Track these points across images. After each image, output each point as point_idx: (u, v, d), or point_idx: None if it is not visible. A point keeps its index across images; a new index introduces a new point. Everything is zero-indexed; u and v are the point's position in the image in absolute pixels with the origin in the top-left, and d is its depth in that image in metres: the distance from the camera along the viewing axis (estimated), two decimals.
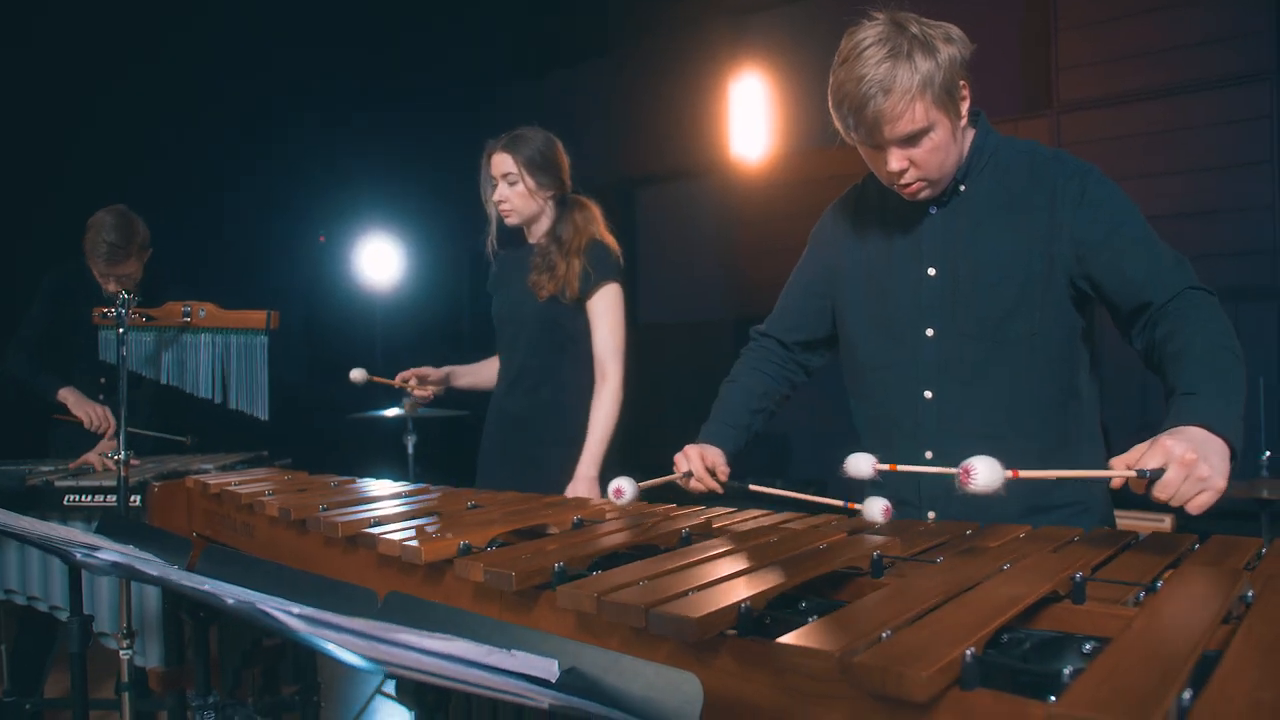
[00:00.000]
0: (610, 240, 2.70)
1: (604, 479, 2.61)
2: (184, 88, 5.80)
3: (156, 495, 2.12)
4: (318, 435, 4.80)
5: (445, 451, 3.05)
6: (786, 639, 0.90)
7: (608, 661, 0.99)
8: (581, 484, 2.59)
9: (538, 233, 2.74)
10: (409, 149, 6.93)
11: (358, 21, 7.01)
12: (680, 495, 1.93)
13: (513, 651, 0.88)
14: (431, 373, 2.88)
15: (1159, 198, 4.70)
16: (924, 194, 1.72)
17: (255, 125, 6.31)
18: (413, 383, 2.86)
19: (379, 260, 6.85)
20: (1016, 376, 1.71)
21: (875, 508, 1.62)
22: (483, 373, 2.98)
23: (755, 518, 1.79)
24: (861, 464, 1.63)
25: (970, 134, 1.76)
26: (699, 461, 1.84)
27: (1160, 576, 1.15)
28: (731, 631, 1.03)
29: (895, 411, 1.79)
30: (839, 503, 1.80)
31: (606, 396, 2.63)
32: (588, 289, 2.62)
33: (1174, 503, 1.26)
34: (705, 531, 1.53)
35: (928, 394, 1.75)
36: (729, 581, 1.14)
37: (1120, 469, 1.27)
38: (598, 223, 2.73)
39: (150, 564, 1.06)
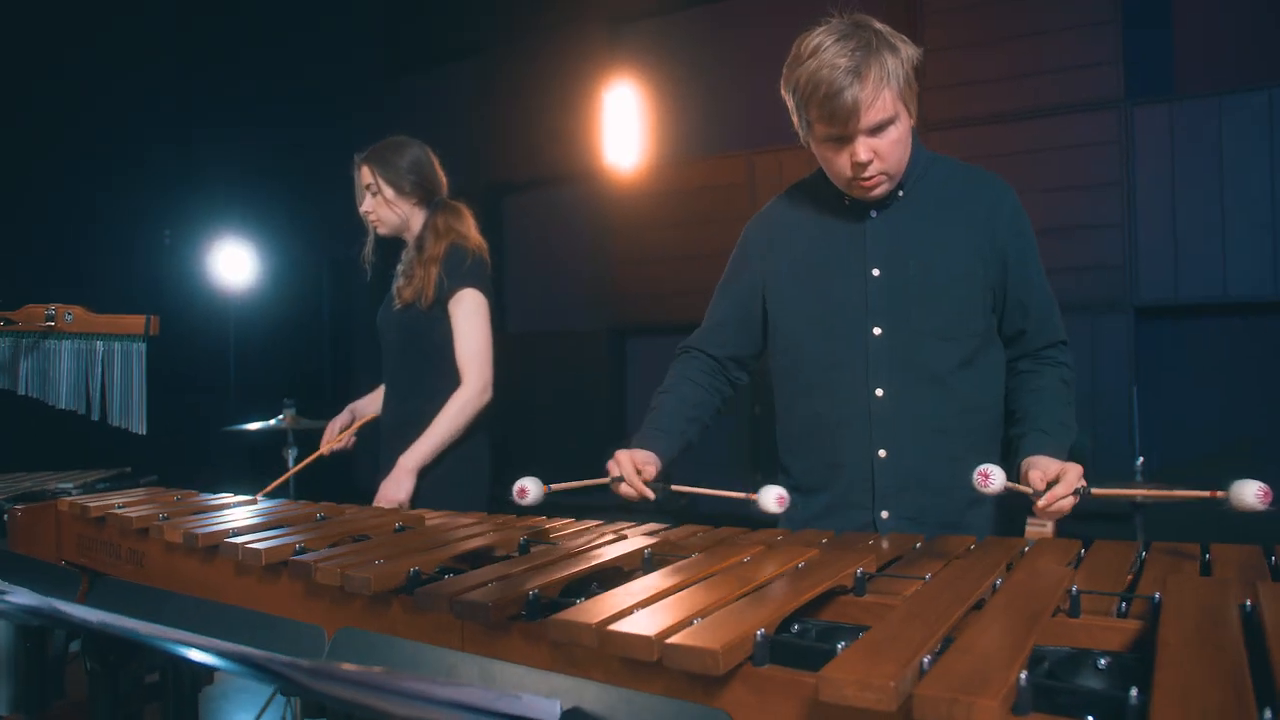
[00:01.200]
0: (477, 244, 2.66)
1: (448, 489, 2.57)
2: (19, 78, 5.33)
3: (21, 520, 1.88)
4: (180, 450, 4.46)
5: (330, 464, 2.86)
6: (834, 671, 0.84)
7: (616, 699, 0.91)
8: (396, 475, 2.51)
9: (410, 242, 2.73)
10: (267, 149, 6.58)
11: (213, 16, 6.61)
12: (599, 506, 1.84)
13: (520, 695, 0.79)
14: (339, 423, 2.81)
15: None
16: (881, 189, 1.75)
17: (94, 118, 5.85)
18: (338, 441, 2.75)
19: (233, 263, 6.46)
20: (967, 373, 1.77)
21: (769, 496, 1.64)
22: (380, 393, 2.89)
23: (613, 530, 1.72)
24: (770, 498, 1.62)
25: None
26: (629, 464, 1.76)
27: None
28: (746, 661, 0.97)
29: (845, 411, 1.79)
30: (739, 494, 1.74)
31: (457, 399, 2.56)
32: (444, 295, 2.57)
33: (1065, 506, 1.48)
34: (665, 551, 1.44)
35: (879, 392, 1.77)
36: (731, 606, 1.07)
37: (1043, 485, 1.50)
38: (465, 227, 2.70)
39: (75, 608, 0.90)
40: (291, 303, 6.89)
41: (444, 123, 6.96)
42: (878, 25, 1.68)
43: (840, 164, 1.73)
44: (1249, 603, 1.05)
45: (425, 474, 2.56)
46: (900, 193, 1.79)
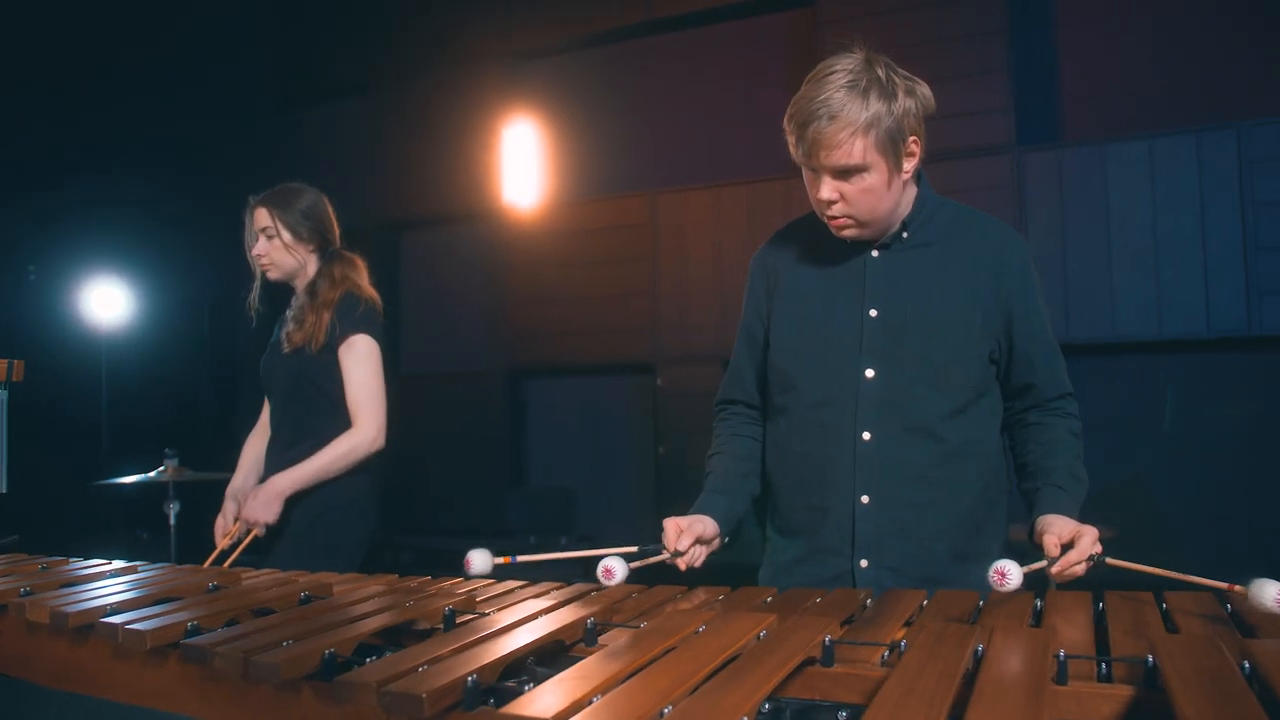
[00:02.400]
0: (370, 294, 2.64)
1: (324, 531, 2.46)
2: None
3: None
4: (46, 507, 4.10)
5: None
6: None
7: None
8: (265, 497, 2.41)
9: (300, 289, 2.67)
10: (147, 186, 6.23)
11: (90, 45, 6.25)
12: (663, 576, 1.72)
13: None
14: (228, 516, 2.63)
15: None
16: (849, 232, 1.70)
17: None
18: (233, 530, 2.55)
19: (105, 302, 6.06)
20: (957, 422, 1.71)
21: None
22: (249, 456, 2.78)
23: (539, 593, 1.60)
24: (479, 561, 1.56)
25: (913, 190, 1.77)
26: (686, 537, 1.66)
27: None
28: None
29: (831, 452, 1.73)
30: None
31: (348, 439, 2.50)
32: (334, 341, 2.52)
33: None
34: (605, 618, 1.32)
35: (866, 435, 1.70)
36: (704, 693, 0.95)
37: (1058, 549, 1.47)
38: (360, 277, 2.68)
39: None
40: (171, 345, 6.50)
41: (337, 159, 6.73)
42: (880, 71, 1.61)
43: (812, 194, 1.69)
44: (1247, 665, 0.99)
45: (298, 504, 2.47)
46: (905, 234, 1.74)
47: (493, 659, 1.05)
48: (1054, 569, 1.45)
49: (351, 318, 2.54)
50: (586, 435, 6.15)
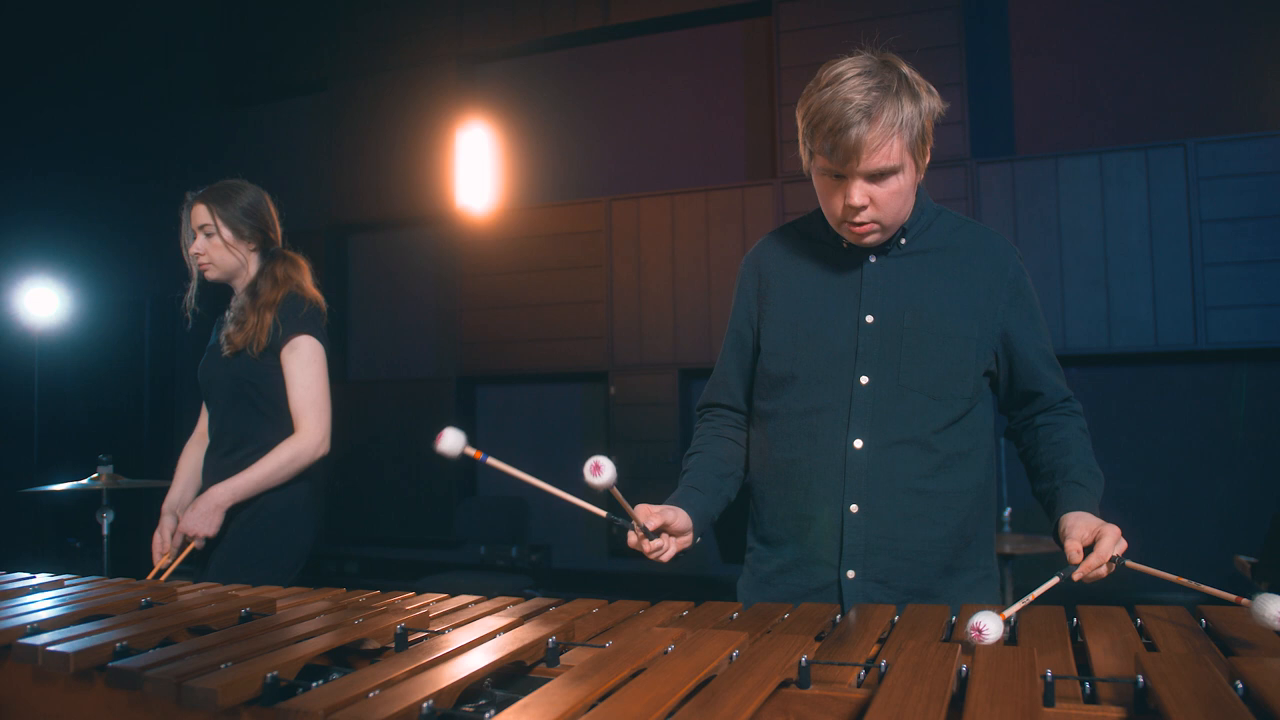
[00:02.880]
0: (313, 295, 2.56)
1: (262, 541, 2.37)
2: None
3: None
4: None
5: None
6: None
7: None
8: (203, 508, 2.32)
9: (239, 289, 2.58)
10: (85, 183, 6.03)
11: (21, 32, 6.04)
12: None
13: None
14: (165, 533, 2.51)
15: None
16: (871, 238, 1.65)
17: None
18: (170, 549, 2.44)
19: (39, 301, 5.84)
20: (951, 433, 1.67)
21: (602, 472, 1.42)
22: (186, 468, 2.67)
23: (495, 609, 1.53)
24: (452, 440, 1.45)
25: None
26: (656, 519, 1.59)
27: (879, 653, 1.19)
28: None
29: (821, 460, 1.68)
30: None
31: (291, 445, 2.41)
32: (277, 343, 2.44)
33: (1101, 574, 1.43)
34: (567, 638, 1.25)
35: (858, 443, 1.65)
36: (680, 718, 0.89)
37: (1081, 554, 1.44)
38: (303, 278, 2.60)
39: None
40: (109, 347, 6.29)
41: (285, 158, 6.60)
42: (905, 69, 1.59)
43: (834, 202, 1.63)
44: (1240, 684, 0.95)
45: (237, 513, 2.38)
46: (903, 240, 1.71)
47: (449, 683, 0.98)
48: (1075, 575, 1.41)
49: (294, 319, 2.46)
50: (538, 444, 6.06)
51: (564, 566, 5.74)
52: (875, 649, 1.25)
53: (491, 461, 1.51)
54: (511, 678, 1.12)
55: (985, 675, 0.97)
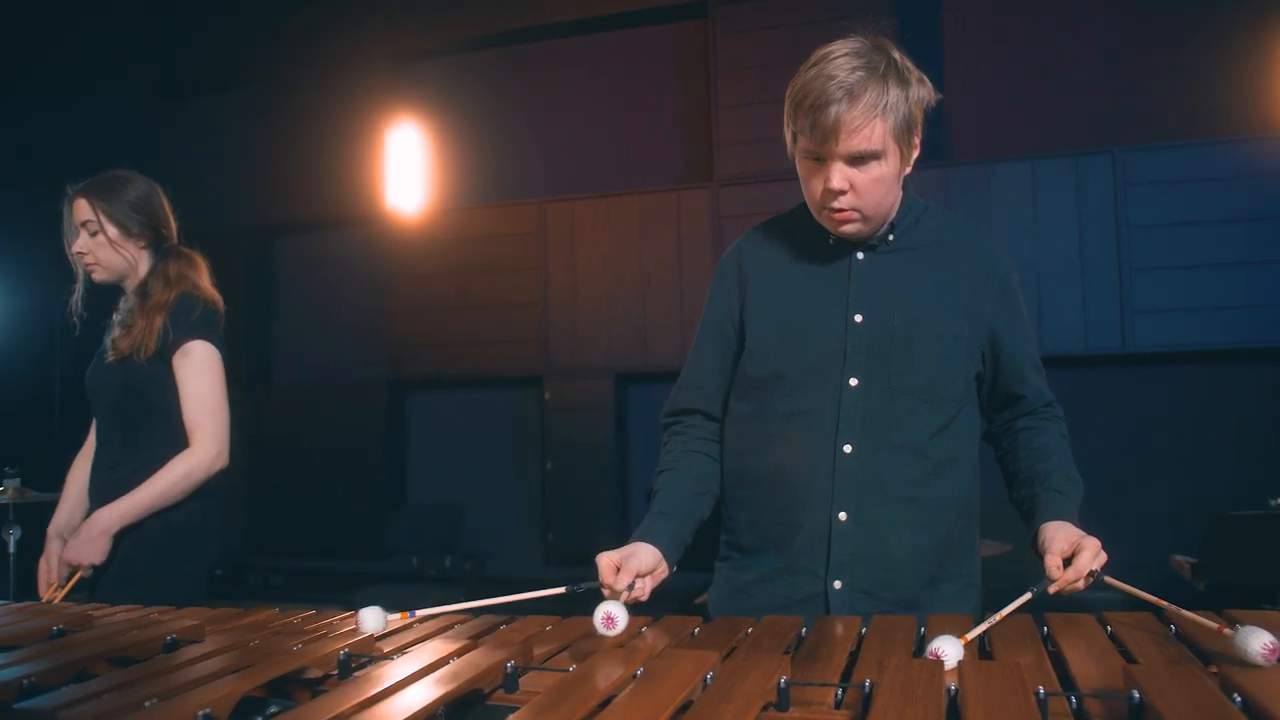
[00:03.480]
0: (210, 294, 2.37)
1: (154, 563, 2.19)
2: None
3: None
4: None
5: None
6: None
7: None
8: (89, 534, 2.14)
9: (130, 290, 2.39)
10: None
11: None
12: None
13: None
14: (54, 551, 2.32)
15: None
16: (850, 228, 1.58)
17: None
18: (57, 577, 2.23)
19: None
20: (942, 437, 1.60)
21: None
22: (74, 485, 2.47)
23: (442, 628, 1.45)
24: (371, 621, 1.33)
25: (899, 190, 1.67)
26: (624, 575, 1.49)
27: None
28: None
29: (808, 465, 1.60)
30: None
31: (185, 461, 2.22)
32: (167, 348, 2.25)
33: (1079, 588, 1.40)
34: (525, 662, 1.17)
35: (847, 448, 1.58)
36: None
37: (1061, 569, 1.40)
38: (199, 276, 2.41)
39: None
40: (15, 355, 5.99)
41: (206, 158, 6.36)
42: (896, 54, 1.52)
43: (814, 185, 1.56)
44: (1238, 697, 0.92)
45: (127, 534, 2.18)
46: (891, 236, 1.64)
47: (404, 717, 0.90)
48: (1052, 589, 1.38)
49: (187, 322, 2.27)
50: (471, 450, 5.94)
51: (499, 574, 5.63)
52: (842, 656, 1.20)
53: (423, 612, 1.42)
54: (468, 706, 1.04)
55: (978, 695, 0.92)
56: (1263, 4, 4.70)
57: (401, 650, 1.22)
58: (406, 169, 5.90)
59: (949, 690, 0.96)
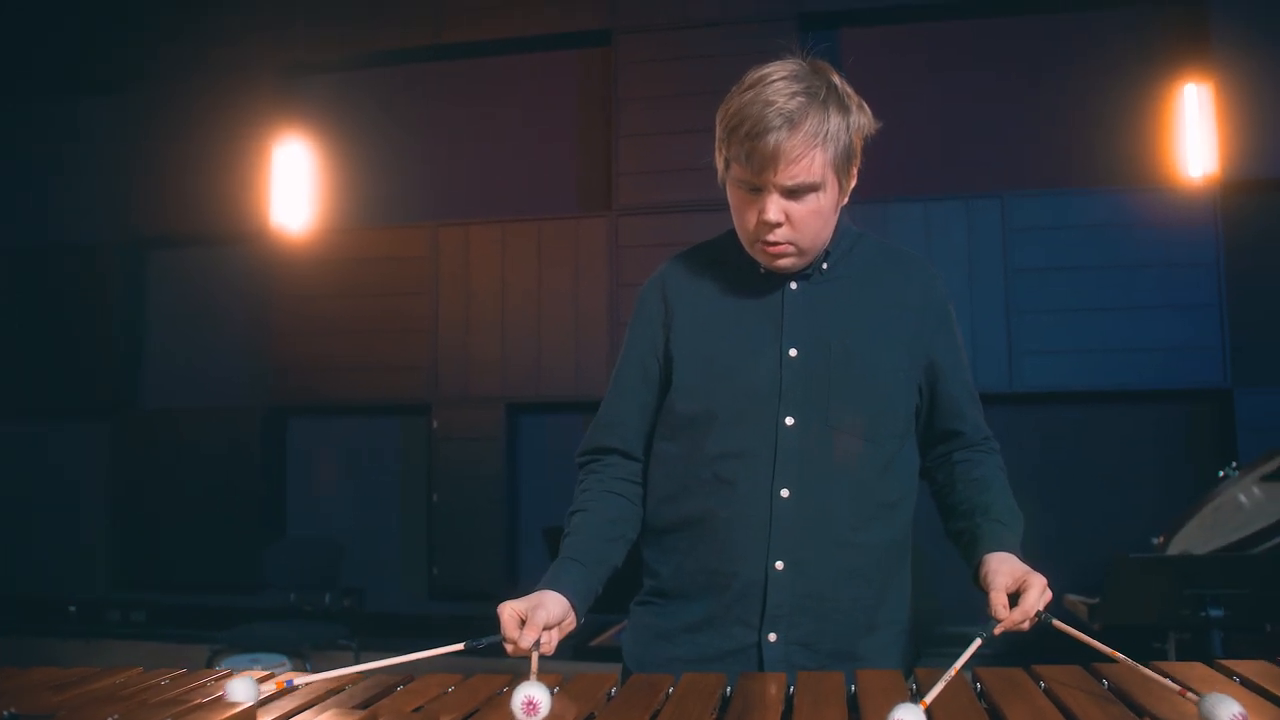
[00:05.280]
0: None
1: None
2: None
3: None
4: None
5: None
6: None
7: None
8: None
9: None
10: None
11: None
12: None
13: None
14: None
15: None
16: (785, 261, 1.48)
17: None
18: None
19: None
20: (883, 479, 1.52)
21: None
22: None
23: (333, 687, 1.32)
24: (241, 692, 1.21)
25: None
26: (530, 632, 1.34)
27: None
28: None
29: (741, 509, 1.49)
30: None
31: None
32: None
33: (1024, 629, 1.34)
34: None
35: (784, 493, 1.47)
36: None
37: (1006, 609, 1.33)
38: None
39: None
40: None
41: (76, 163, 5.98)
42: (836, 78, 1.44)
43: (747, 217, 1.46)
44: None
45: None
46: (824, 265, 1.55)
47: None
48: (998, 629, 1.31)
49: None
50: (354, 480, 5.70)
51: (380, 610, 5.38)
52: None
53: (300, 679, 1.28)
54: None
55: None
56: (1145, 66, 4.94)
57: (288, 717, 1.08)
58: (293, 186, 5.67)
59: None
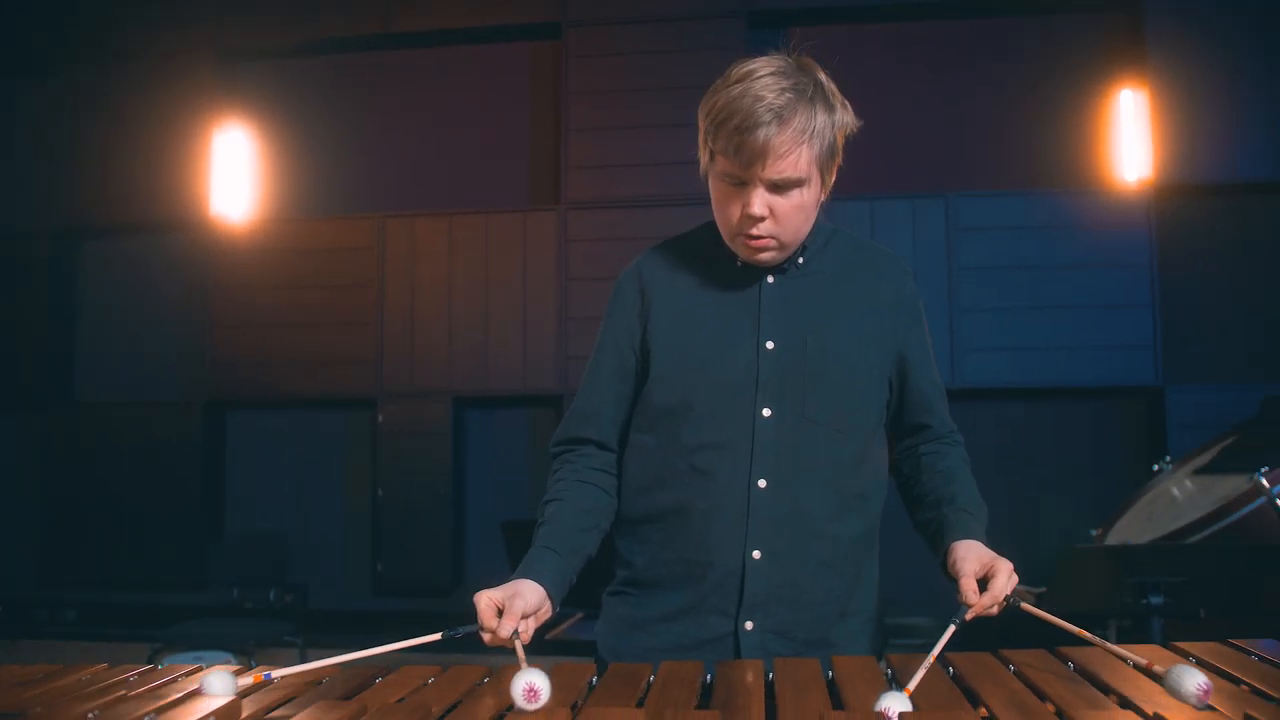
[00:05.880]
0: None
1: None
2: None
3: None
4: None
5: None
6: None
7: None
8: None
9: None
10: None
11: None
12: None
13: None
14: None
15: None
16: (766, 255, 1.51)
17: None
18: None
19: None
20: (855, 471, 1.56)
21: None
22: None
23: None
24: (217, 685, 1.18)
25: None
26: (508, 622, 1.33)
27: None
28: None
29: (719, 500, 1.51)
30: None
31: None
32: None
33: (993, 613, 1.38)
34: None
35: (762, 483, 1.50)
36: None
37: (976, 594, 1.36)
38: None
39: None
40: None
41: (3, 148, 5.79)
42: (822, 76, 1.47)
43: (731, 210, 1.48)
44: None
45: None
46: (800, 260, 1.58)
47: None
48: (970, 614, 1.35)
49: None
50: (297, 475, 5.60)
51: (323, 607, 5.30)
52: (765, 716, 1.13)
53: (277, 673, 1.26)
54: None
55: None
56: (1083, 72, 5.08)
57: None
58: (234, 174, 5.55)
59: None
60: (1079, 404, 5.00)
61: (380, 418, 5.38)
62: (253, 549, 4.76)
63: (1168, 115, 4.82)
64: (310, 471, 5.59)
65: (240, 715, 1.08)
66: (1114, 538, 3.42)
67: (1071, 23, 5.15)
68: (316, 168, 5.67)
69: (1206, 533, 2.86)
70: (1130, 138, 4.88)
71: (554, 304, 5.28)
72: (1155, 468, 3.74)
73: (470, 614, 1.36)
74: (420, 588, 5.26)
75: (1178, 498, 3.48)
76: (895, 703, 1.07)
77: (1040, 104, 5.10)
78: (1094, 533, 3.63)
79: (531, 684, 1.07)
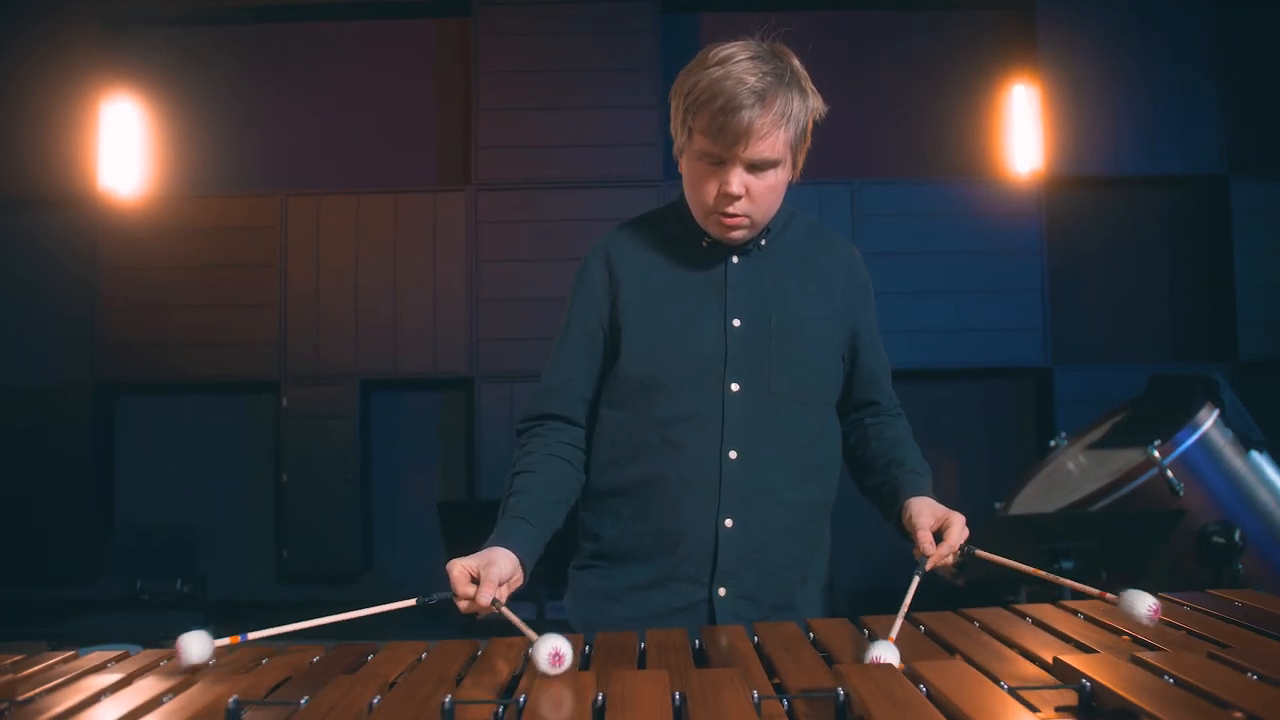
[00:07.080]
0: None
1: None
2: None
3: None
4: None
5: None
6: None
7: None
8: None
9: None
10: None
11: None
12: None
13: None
14: None
15: (565, 280, 5.01)
16: (739, 234, 1.58)
17: None
18: None
19: None
20: (817, 443, 1.65)
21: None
22: None
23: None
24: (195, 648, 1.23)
25: None
26: (486, 590, 1.35)
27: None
28: None
29: (692, 472, 1.58)
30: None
31: None
32: None
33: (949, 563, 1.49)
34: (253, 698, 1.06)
35: (733, 454, 1.57)
36: None
37: (933, 545, 1.46)
38: None
39: None
40: None
41: None
42: (795, 62, 1.55)
43: (707, 189, 1.54)
44: (923, 687, 0.99)
45: None
46: (763, 241, 1.65)
47: None
48: (928, 565, 1.44)
49: None
50: (195, 462, 5.40)
51: (225, 597, 5.15)
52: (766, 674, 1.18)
53: (254, 635, 1.25)
54: None
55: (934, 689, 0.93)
56: (979, 66, 5.30)
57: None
58: (124, 148, 5.30)
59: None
60: (974, 384, 5.23)
61: (284, 401, 5.24)
62: (153, 539, 4.59)
63: (1058, 110, 5.08)
64: (210, 458, 5.40)
65: (260, 692, 1.07)
66: (1017, 510, 3.62)
67: (969, 19, 5.36)
68: (214, 142, 5.46)
69: (1105, 502, 3.06)
70: (1023, 131, 5.12)
71: (464, 285, 5.23)
72: (1051, 443, 3.96)
73: (382, 598, 1.40)
74: (326, 575, 5.17)
75: (1073, 471, 3.70)
76: (885, 651, 1.14)
77: (939, 97, 5.30)
78: (998, 505, 3.82)
79: (557, 649, 1.09)
